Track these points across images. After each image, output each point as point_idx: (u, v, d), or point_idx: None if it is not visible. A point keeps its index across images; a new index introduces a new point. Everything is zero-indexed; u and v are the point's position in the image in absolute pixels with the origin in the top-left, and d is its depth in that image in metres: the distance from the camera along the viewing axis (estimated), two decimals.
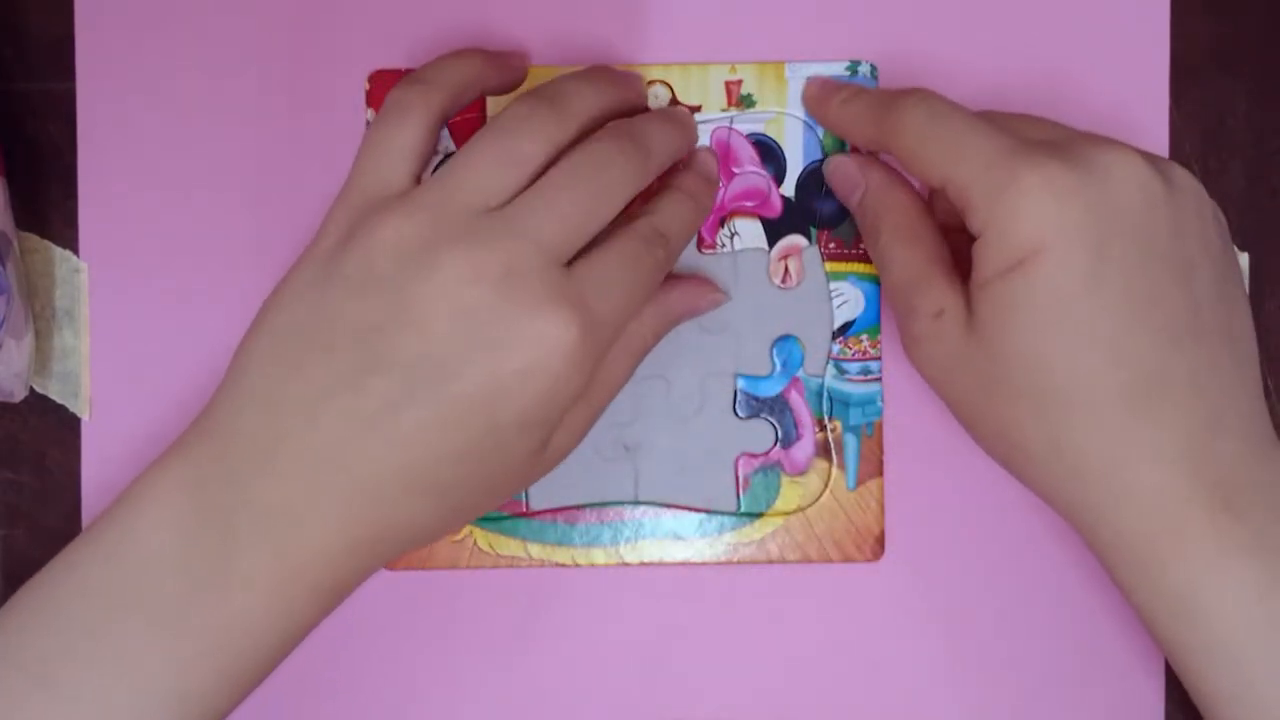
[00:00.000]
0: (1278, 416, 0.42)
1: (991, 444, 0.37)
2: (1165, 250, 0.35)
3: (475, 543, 0.42)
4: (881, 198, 0.40)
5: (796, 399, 0.42)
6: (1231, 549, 0.34)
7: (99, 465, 0.42)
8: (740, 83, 0.42)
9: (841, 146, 0.42)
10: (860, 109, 0.40)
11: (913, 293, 0.37)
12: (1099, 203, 0.34)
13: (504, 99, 0.42)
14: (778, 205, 0.42)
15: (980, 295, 0.35)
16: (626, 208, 0.36)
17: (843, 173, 0.41)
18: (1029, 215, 0.34)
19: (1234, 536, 0.34)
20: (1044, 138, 0.36)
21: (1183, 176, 0.36)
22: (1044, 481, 0.36)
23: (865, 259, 0.42)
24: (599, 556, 0.42)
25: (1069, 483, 0.36)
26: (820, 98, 0.41)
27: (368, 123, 0.42)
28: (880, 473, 0.42)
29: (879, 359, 0.42)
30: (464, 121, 0.42)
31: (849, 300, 0.42)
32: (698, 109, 0.42)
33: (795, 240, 0.42)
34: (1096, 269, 0.34)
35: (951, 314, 0.36)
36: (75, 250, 0.42)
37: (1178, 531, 0.34)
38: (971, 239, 0.36)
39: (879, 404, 0.42)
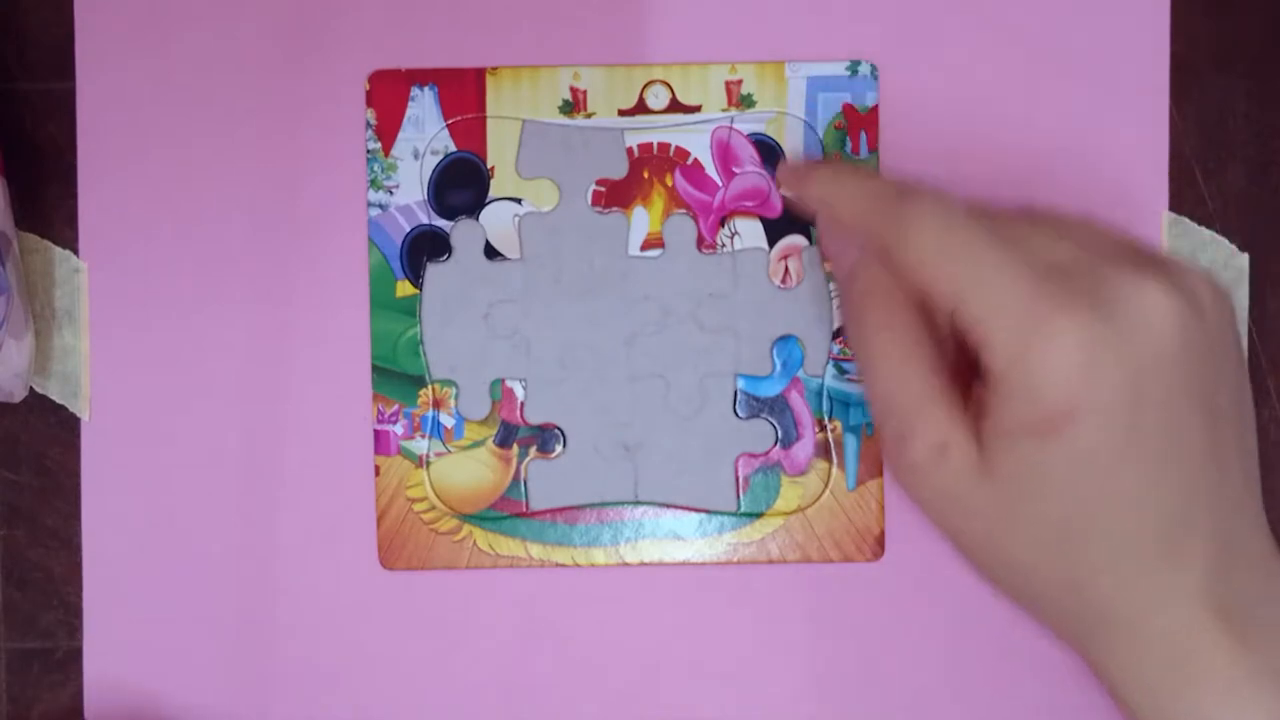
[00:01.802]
0: (1279, 419, 0.42)
1: (999, 580, 0.36)
2: (1195, 385, 0.33)
3: (475, 543, 0.42)
4: (879, 279, 0.36)
5: (796, 399, 0.42)
6: (1243, 678, 0.33)
7: (99, 465, 0.42)
8: (740, 83, 0.42)
9: (841, 145, 0.42)
10: (859, 193, 0.36)
11: (908, 415, 0.34)
12: (1135, 356, 0.32)
13: (505, 96, 0.42)
14: (778, 205, 0.42)
15: (998, 445, 0.33)
16: None
17: (835, 236, 0.38)
18: (1061, 375, 0.32)
19: (1246, 664, 0.33)
20: (1063, 261, 0.34)
21: (1209, 294, 0.34)
22: (1056, 618, 0.35)
23: None
24: (599, 556, 0.42)
25: (1085, 623, 0.35)
26: (800, 174, 0.39)
27: (368, 123, 0.42)
28: (880, 473, 0.42)
29: None
30: (464, 123, 0.42)
31: None
32: (698, 109, 0.42)
33: (795, 240, 0.42)
34: (1132, 427, 0.32)
35: (960, 452, 0.34)
36: (75, 250, 0.42)
37: (1192, 661, 0.34)
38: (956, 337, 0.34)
39: None
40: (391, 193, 0.42)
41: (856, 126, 0.42)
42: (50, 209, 0.42)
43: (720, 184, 0.42)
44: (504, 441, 0.42)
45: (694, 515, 0.42)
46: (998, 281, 0.32)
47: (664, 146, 0.42)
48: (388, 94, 0.42)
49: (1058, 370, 0.32)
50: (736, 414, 0.42)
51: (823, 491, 0.42)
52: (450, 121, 0.42)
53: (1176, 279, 0.34)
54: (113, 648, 0.42)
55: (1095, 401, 0.32)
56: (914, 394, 0.34)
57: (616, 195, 0.42)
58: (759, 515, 0.42)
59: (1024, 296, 0.32)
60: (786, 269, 0.42)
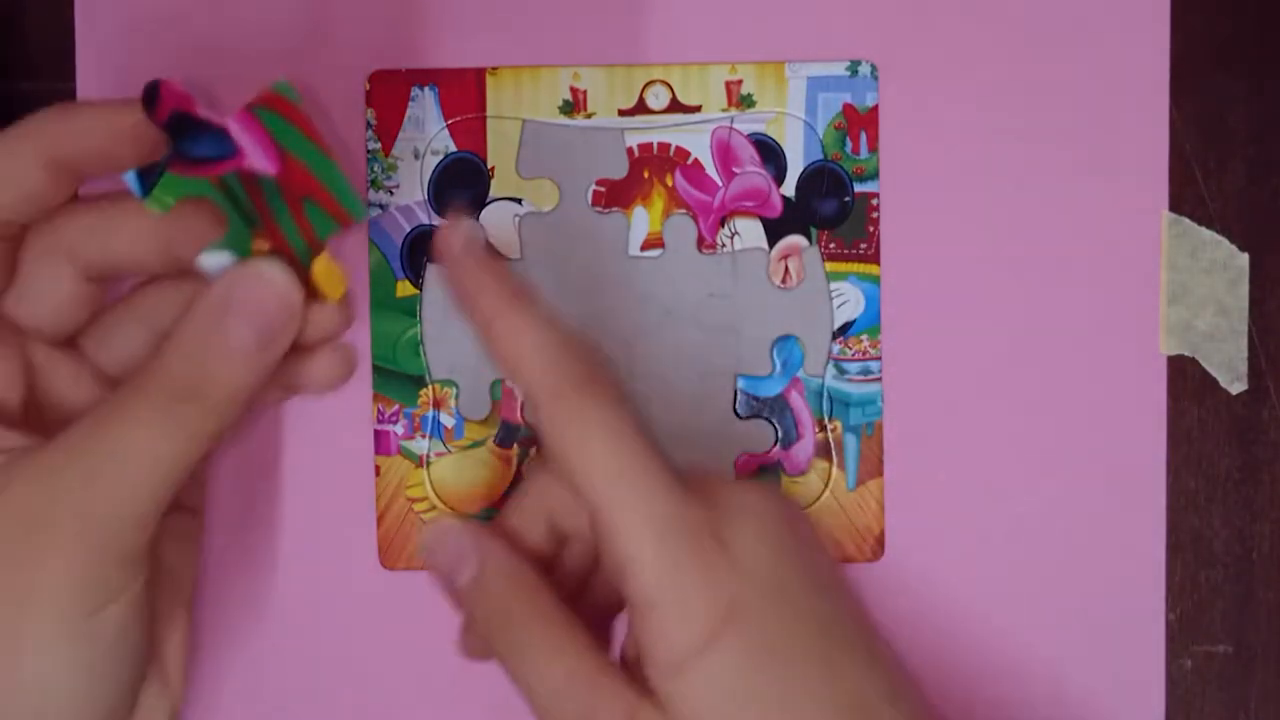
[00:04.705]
0: (1279, 420, 0.42)
1: None
2: (814, 566, 0.33)
3: None
4: (506, 587, 0.34)
5: (796, 399, 0.42)
6: None
7: None
8: (740, 83, 0.42)
9: (841, 145, 0.42)
10: (540, 355, 0.33)
11: (585, 694, 0.32)
12: (768, 537, 0.32)
13: (505, 96, 0.42)
14: (778, 205, 0.42)
15: (672, 686, 0.31)
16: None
17: (445, 547, 0.35)
18: (725, 573, 0.31)
19: None
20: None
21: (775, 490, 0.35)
22: None
23: (865, 259, 0.42)
24: None
25: None
26: (464, 266, 0.35)
27: (368, 123, 0.42)
28: (880, 473, 0.42)
29: (879, 359, 0.42)
30: (464, 123, 0.42)
31: (849, 300, 0.42)
32: (698, 109, 0.42)
33: (795, 240, 0.42)
34: (785, 605, 0.32)
35: (647, 716, 0.31)
36: None
37: None
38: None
39: (879, 404, 0.42)
40: (391, 193, 0.42)
41: (856, 126, 0.42)
42: None
43: (720, 184, 0.42)
44: (504, 441, 0.42)
45: None
46: (646, 500, 0.31)
47: (664, 146, 0.42)
48: (388, 94, 0.42)
49: (721, 570, 0.31)
50: (736, 414, 0.42)
51: (823, 491, 0.42)
52: (450, 121, 0.42)
53: (759, 485, 0.35)
54: None
55: (755, 587, 0.31)
56: (581, 683, 0.32)
57: (616, 195, 0.42)
58: None
59: (674, 512, 0.31)
60: (786, 269, 0.42)
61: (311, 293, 0.34)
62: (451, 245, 0.34)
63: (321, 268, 0.34)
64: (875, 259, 0.42)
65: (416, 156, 0.42)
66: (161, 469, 0.31)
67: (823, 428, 0.42)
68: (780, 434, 0.42)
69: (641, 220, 0.42)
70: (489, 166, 0.42)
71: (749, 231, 0.42)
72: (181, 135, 0.32)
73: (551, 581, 0.35)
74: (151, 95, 0.32)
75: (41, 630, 0.30)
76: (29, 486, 0.31)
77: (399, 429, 0.42)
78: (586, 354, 0.33)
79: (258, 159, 0.33)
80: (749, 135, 0.42)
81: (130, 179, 0.32)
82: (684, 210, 0.42)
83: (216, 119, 0.32)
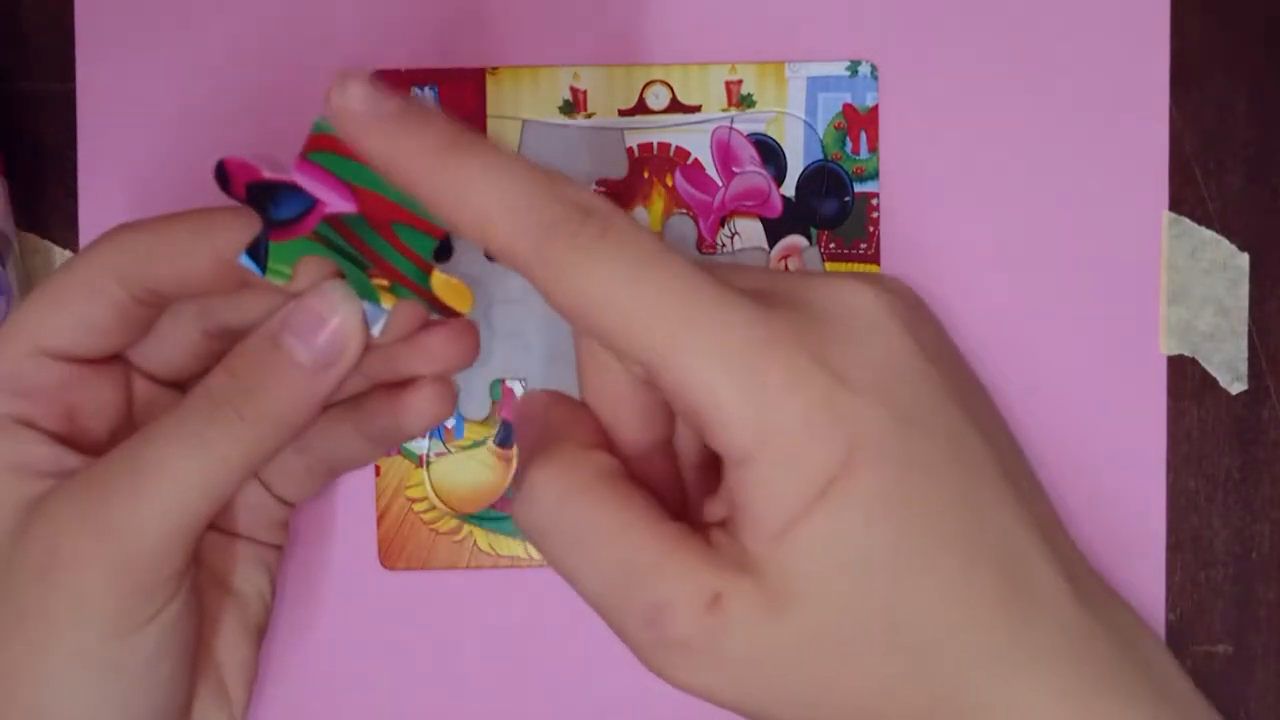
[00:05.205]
0: (1279, 419, 0.42)
1: None
2: (948, 378, 0.27)
3: (475, 543, 0.42)
4: (556, 427, 0.28)
5: None
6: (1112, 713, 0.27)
7: None
8: (740, 83, 0.42)
9: (841, 145, 0.42)
10: (501, 194, 0.26)
11: (652, 580, 0.25)
12: (883, 342, 0.26)
13: (505, 96, 0.42)
14: (778, 205, 0.42)
15: (777, 551, 0.24)
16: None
17: (520, 415, 0.31)
18: (837, 406, 0.24)
19: (1109, 707, 0.27)
20: (754, 287, 0.27)
21: (906, 288, 0.29)
22: None
23: (865, 259, 0.42)
24: None
25: None
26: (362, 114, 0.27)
27: None
28: None
29: None
30: (464, 123, 0.42)
31: None
32: (698, 109, 0.42)
33: (795, 240, 0.42)
34: (914, 432, 0.25)
35: (738, 593, 0.25)
36: (75, 250, 0.42)
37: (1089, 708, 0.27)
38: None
39: None
40: None
41: (856, 126, 0.42)
42: (50, 209, 0.42)
43: (720, 184, 0.42)
44: (504, 441, 0.42)
45: None
46: (710, 330, 0.24)
47: (664, 146, 0.42)
48: None
49: (812, 417, 0.24)
50: None
51: None
52: None
53: (870, 277, 0.29)
54: None
55: (868, 427, 0.24)
56: (651, 550, 0.25)
57: (617, 195, 0.42)
58: None
59: (748, 343, 0.25)
60: (786, 269, 0.42)
61: (443, 309, 0.34)
62: (351, 111, 0.26)
63: (440, 282, 0.33)
64: (875, 259, 0.42)
65: None
66: (185, 491, 0.30)
67: None
68: None
69: (642, 220, 0.42)
70: None
71: (749, 231, 0.42)
72: (264, 203, 0.32)
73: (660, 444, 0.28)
74: (223, 177, 0.32)
75: (62, 659, 0.30)
76: (56, 508, 0.30)
77: None
78: (566, 186, 0.27)
79: (335, 201, 0.32)
80: (749, 135, 0.42)
81: (245, 261, 0.32)
82: (684, 210, 0.42)
83: (284, 176, 0.32)
